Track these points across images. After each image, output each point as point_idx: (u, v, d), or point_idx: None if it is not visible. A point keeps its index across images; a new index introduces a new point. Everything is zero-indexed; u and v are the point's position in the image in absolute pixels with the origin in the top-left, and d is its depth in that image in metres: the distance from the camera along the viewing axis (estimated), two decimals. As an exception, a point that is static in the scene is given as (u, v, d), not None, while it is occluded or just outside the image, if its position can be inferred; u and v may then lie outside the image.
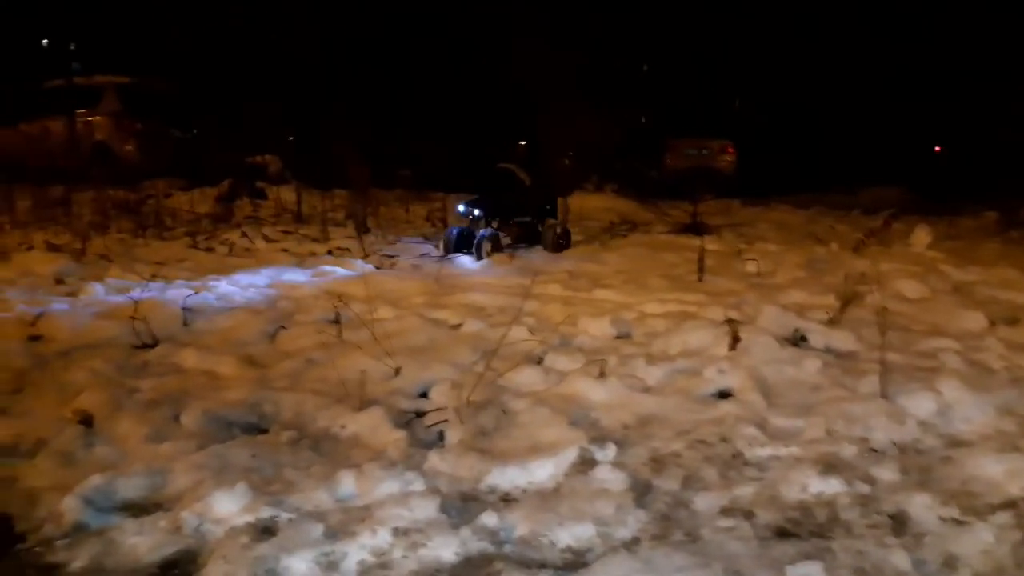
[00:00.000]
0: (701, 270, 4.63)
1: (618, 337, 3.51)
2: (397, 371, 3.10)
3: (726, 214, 8.38)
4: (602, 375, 2.90)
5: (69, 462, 2.37)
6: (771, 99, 17.07)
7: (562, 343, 3.38)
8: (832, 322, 3.55)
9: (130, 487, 2.20)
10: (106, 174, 11.62)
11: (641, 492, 2.15)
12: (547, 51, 11.65)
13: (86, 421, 2.63)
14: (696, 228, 6.76)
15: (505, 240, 5.86)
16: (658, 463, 2.34)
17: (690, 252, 5.54)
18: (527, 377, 2.96)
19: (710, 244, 5.62)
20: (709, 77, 17.68)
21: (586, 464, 2.30)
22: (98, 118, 13.58)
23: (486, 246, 5.37)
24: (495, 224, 5.74)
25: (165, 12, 13.69)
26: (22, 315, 3.81)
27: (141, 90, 13.57)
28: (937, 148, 16.85)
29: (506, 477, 2.24)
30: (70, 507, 2.06)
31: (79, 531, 2.01)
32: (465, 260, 5.37)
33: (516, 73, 11.80)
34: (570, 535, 1.94)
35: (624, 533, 1.96)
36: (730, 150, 15.63)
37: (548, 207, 6.10)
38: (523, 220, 5.95)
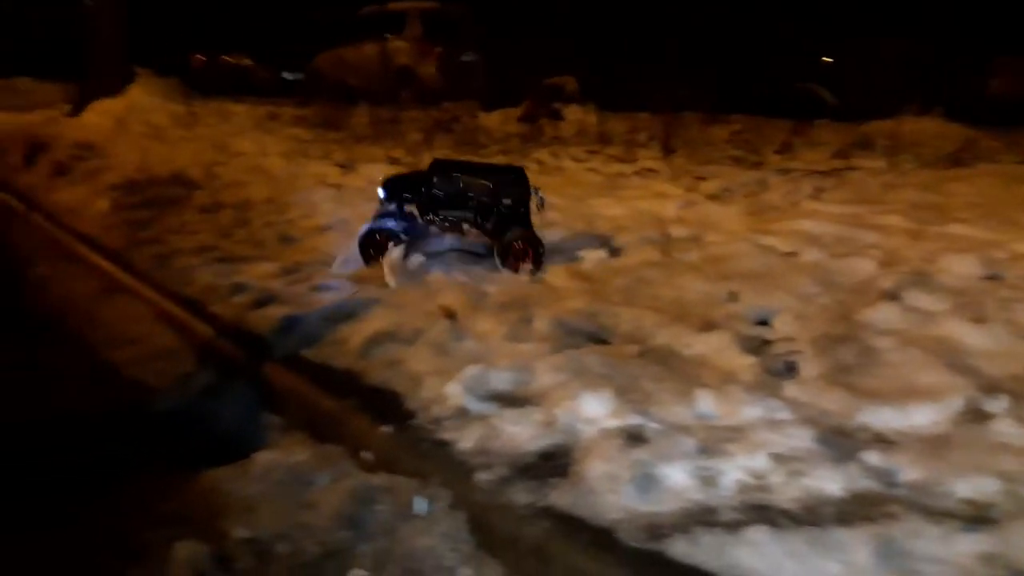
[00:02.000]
0: (1084, 207, 3.93)
1: (987, 278, 3.10)
2: (733, 295, 3.02)
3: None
4: (979, 319, 2.57)
5: (443, 351, 2.61)
6: None
7: (918, 280, 3.06)
8: None
9: (501, 380, 2.36)
10: (409, 94, 12.64)
11: (1051, 452, 1.89)
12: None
13: (451, 316, 2.88)
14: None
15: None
16: (1067, 422, 2.03)
17: (1058, 186, 4.76)
18: (885, 314, 2.72)
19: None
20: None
21: (975, 414, 2.07)
22: (402, 43, 14.70)
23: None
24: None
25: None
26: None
27: (441, 16, 14.42)
28: None
29: (880, 417, 2.08)
30: (453, 392, 2.27)
31: (462, 415, 2.21)
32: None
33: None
34: (970, 487, 1.75)
35: (1035, 494, 1.74)
36: None
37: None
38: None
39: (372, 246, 3.54)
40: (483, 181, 3.56)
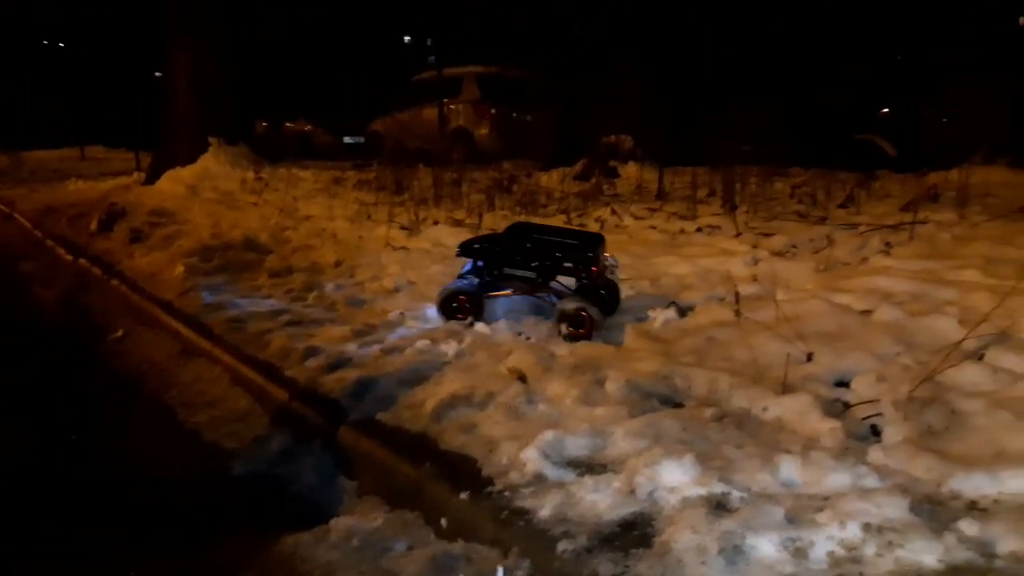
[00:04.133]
0: None
1: (1075, 335, 2.98)
2: (809, 356, 2.96)
3: None
4: (1071, 379, 2.48)
5: (516, 415, 2.61)
6: None
7: (1002, 338, 2.96)
8: None
9: (577, 445, 2.35)
10: (465, 155, 12.92)
11: None
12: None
13: (522, 379, 2.89)
14: None
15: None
16: None
17: None
18: (969, 375, 2.63)
19: None
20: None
21: (1074, 481, 1.97)
22: (459, 105, 15.12)
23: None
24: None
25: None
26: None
27: (497, 78, 14.82)
28: None
29: (972, 484, 2.00)
30: (531, 458, 2.26)
31: (540, 481, 2.20)
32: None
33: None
34: (1076, 560, 1.67)
35: None
36: None
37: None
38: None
39: (451, 304, 3.75)
40: (550, 240, 3.69)
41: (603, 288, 3.71)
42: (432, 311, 3.86)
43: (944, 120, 10.69)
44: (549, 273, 3.67)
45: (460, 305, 3.72)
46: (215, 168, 10.31)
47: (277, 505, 2.71)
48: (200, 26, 10.56)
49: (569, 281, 3.70)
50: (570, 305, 3.46)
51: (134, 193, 10.02)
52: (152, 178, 10.91)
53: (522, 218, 6.36)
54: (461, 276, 3.86)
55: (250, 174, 9.81)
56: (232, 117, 11.02)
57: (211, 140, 10.68)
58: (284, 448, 3.01)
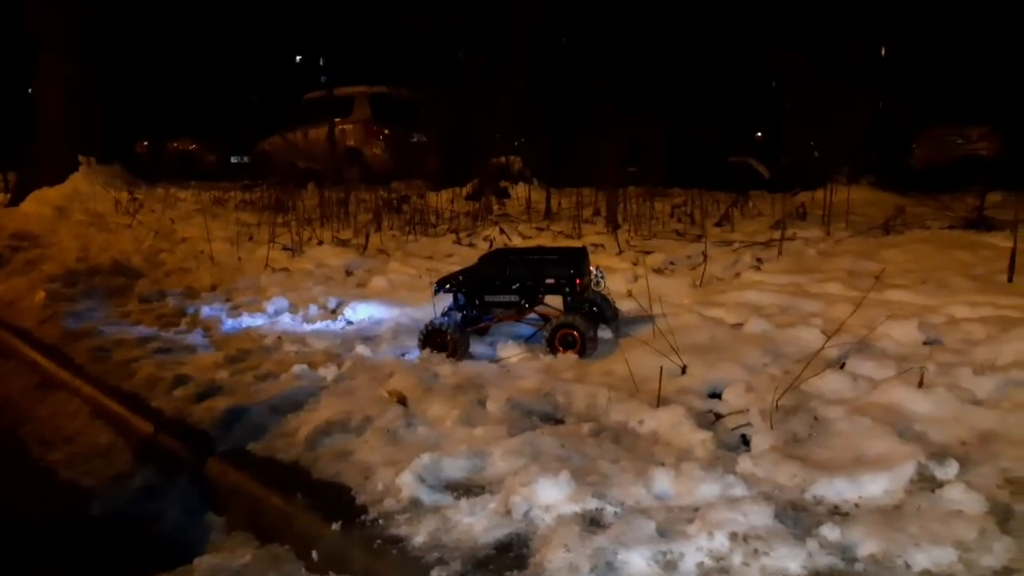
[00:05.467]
0: (1012, 269, 4.09)
1: (927, 343, 3.18)
2: (684, 369, 3.03)
3: (1009, 207, 7.39)
4: (922, 384, 2.63)
5: (394, 440, 2.54)
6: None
7: (862, 347, 3.12)
8: None
9: (455, 467, 2.31)
10: (356, 175, 12.75)
11: (1002, 517, 1.90)
12: (795, 33, 11.03)
13: (402, 401, 2.82)
14: (983, 223, 6.02)
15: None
16: (1016, 486, 2.06)
17: (985, 250, 4.96)
18: (832, 383, 2.76)
19: (1004, 241, 4.97)
20: (966, 54, 15.71)
21: (926, 481, 2.08)
22: (350, 125, 14.95)
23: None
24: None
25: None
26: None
27: (388, 98, 14.73)
28: None
29: (834, 489, 2.08)
30: (406, 483, 2.20)
31: (416, 507, 2.14)
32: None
33: (761, 56, 11.27)
34: (927, 558, 1.75)
35: (991, 561, 1.74)
36: (993, 136, 13.97)
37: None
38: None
39: (435, 340, 3.45)
40: (531, 259, 3.56)
41: (594, 302, 3.63)
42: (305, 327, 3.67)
43: (811, 143, 11.34)
44: (532, 293, 3.51)
45: (443, 341, 3.42)
46: (86, 188, 9.76)
47: (139, 546, 2.53)
48: (72, 38, 10.00)
49: (557, 300, 3.54)
50: (558, 324, 3.34)
51: (-5, 215, 9.34)
52: (16, 199, 10.23)
53: (411, 239, 6.30)
54: (444, 313, 3.58)
55: (124, 194, 9.33)
56: (104, 135, 10.47)
57: (81, 159, 10.10)
58: (148, 484, 2.82)
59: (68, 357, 3.93)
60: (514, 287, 3.51)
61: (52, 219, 8.64)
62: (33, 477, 3.06)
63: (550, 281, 3.46)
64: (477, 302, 3.60)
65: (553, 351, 3.34)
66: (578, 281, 3.42)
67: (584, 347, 3.31)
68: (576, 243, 5.89)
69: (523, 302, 3.53)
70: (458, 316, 3.55)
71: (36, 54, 10.23)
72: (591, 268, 3.62)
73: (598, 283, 3.68)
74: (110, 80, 10.48)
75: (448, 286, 3.60)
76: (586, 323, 3.34)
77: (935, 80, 15.21)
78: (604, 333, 3.54)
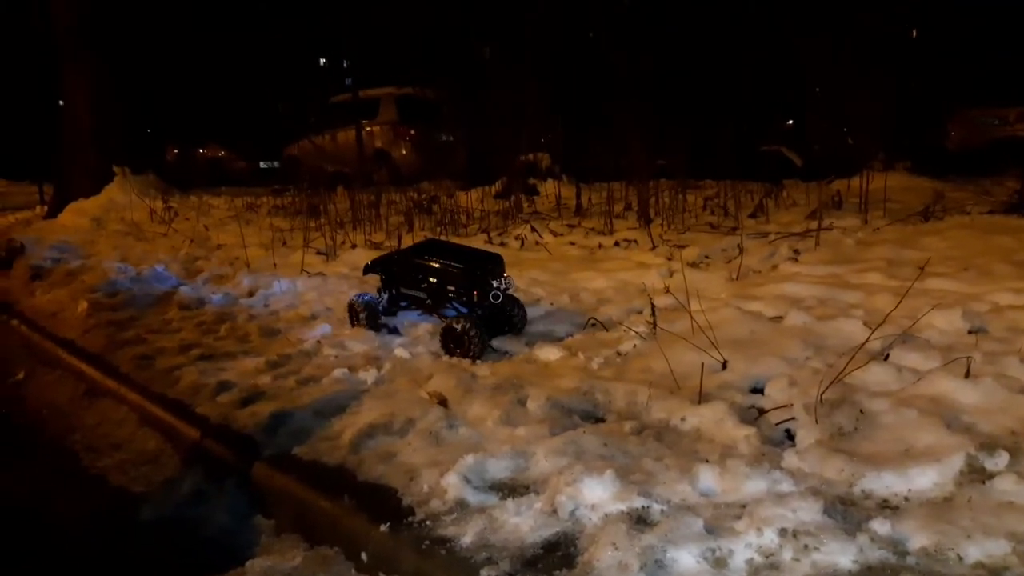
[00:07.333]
0: (1057, 255, 4.00)
1: (972, 332, 3.13)
2: (724, 364, 3.01)
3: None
4: (969, 374, 2.58)
5: (437, 441, 2.56)
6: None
7: (905, 338, 3.07)
8: None
9: (499, 467, 2.32)
10: (385, 177, 12.81)
11: (1059, 510, 1.87)
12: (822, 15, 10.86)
13: (443, 403, 2.84)
14: (1026, 207, 5.89)
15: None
16: (1071, 478, 2.02)
17: (1029, 235, 4.86)
18: (876, 375, 2.72)
19: (1049, 225, 4.88)
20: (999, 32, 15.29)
21: (976, 473, 2.05)
22: (377, 127, 15.02)
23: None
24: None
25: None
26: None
27: (413, 99, 14.77)
28: None
29: (882, 483, 2.06)
30: (452, 483, 2.22)
31: (462, 508, 2.15)
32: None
33: (785, 42, 11.12)
34: (980, 550, 1.72)
35: (1048, 555, 1.71)
36: None
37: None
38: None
39: (355, 312, 3.97)
40: (434, 265, 3.75)
41: (498, 309, 3.67)
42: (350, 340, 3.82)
43: (844, 129, 11.17)
44: (438, 297, 3.75)
45: (356, 314, 3.94)
46: (121, 199, 9.93)
47: (190, 550, 2.58)
48: (99, 46, 10.16)
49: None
50: (447, 327, 3.49)
51: (35, 228, 9.55)
52: (54, 211, 10.44)
53: (442, 239, 6.32)
54: (376, 292, 4.03)
55: (159, 203, 9.48)
56: (134, 144, 10.64)
57: (116, 170, 10.29)
58: (196, 489, 2.87)
59: (113, 366, 4.01)
60: (423, 286, 3.81)
61: (90, 230, 8.81)
62: (84, 484, 3.13)
63: (451, 288, 3.70)
64: (394, 291, 3.96)
65: (446, 351, 3.49)
66: (475, 293, 3.59)
67: (470, 351, 3.40)
68: (609, 239, 5.88)
69: (429, 301, 3.84)
70: (385, 297, 3.96)
71: (63, 66, 10.41)
72: (503, 276, 3.62)
73: (497, 298, 3.58)
74: (138, 88, 10.65)
75: (375, 268, 4.01)
76: (476, 329, 3.42)
77: (967, 59, 14.88)
78: (506, 343, 3.62)
